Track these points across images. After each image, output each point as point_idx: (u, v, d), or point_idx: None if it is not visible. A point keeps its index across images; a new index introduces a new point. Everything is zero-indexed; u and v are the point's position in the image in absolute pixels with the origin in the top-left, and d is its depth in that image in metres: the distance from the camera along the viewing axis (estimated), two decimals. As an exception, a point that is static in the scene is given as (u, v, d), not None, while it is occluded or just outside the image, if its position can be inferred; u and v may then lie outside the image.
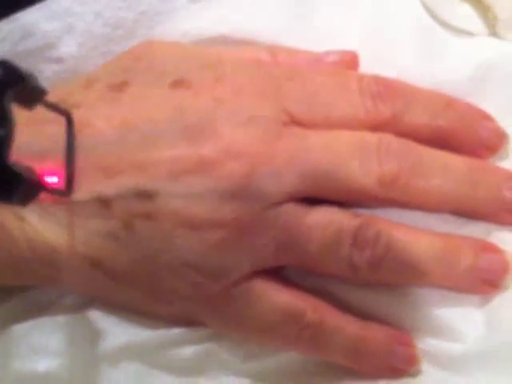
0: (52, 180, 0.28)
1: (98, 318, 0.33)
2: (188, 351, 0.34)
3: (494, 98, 0.36)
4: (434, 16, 0.38)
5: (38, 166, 0.26)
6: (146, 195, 0.31)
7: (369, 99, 0.33)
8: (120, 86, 0.33)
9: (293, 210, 0.31)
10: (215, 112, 0.32)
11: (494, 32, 0.39)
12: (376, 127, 0.33)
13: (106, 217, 0.31)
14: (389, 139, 0.32)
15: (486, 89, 0.36)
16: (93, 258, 0.32)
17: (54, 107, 0.28)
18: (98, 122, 0.32)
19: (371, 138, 0.32)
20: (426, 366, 0.33)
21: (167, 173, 0.31)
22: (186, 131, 0.31)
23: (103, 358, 0.33)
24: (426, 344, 0.33)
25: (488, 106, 0.36)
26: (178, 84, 0.33)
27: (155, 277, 0.32)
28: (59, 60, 0.37)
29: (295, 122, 0.32)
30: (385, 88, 0.33)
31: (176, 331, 0.34)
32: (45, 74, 0.37)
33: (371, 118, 0.33)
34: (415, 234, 0.32)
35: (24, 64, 0.37)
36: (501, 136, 0.35)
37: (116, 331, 0.34)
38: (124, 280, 0.32)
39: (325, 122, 0.33)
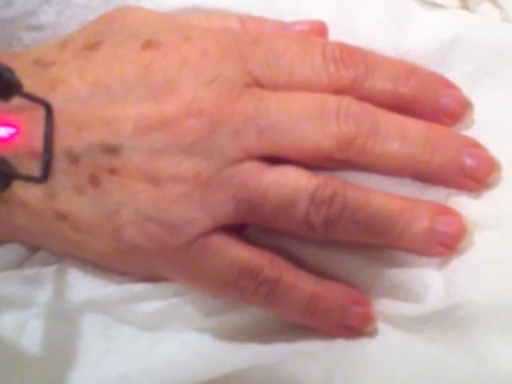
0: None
1: (65, 272, 0.34)
2: (152, 306, 0.34)
3: (460, 69, 0.36)
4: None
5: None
6: (111, 150, 0.32)
7: (331, 64, 0.34)
8: (93, 46, 0.34)
9: (251, 168, 0.32)
10: (181, 71, 0.33)
11: (465, 5, 0.39)
12: (337, 92, 0.34)
13: (73, 171, 0.32)
14: (348, 102, 0.33)
15: (451, 60, 0.37)
16: (59, 211, 0.33)
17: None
18: (72, 78, 0.33)
19: (331, 100, 0.33)
20: (383, 327, 0.34)
21: (132, 129, 0.32)
22: (152, 89, 0.32)
23: (69, 310, 0.34)
24: (384, 305, 0.34)
25: (453, 77, 0.36)
26: (149, 45, 0.34)
27: (119, 232, 0.33)
28: (38, 28, 0.38)
29: (258, 84, 0.33)
30: (348, 54, 0.34)
31: (141, 286, 0.35)
32: (24, 41, 0.39)
33: (333, 83, 0.34)
34: (371, 194, 0.33)
35: (4, 32, 0.39)
36: (463, 104, 0.35)
37: (82, 285, 0.35)
38: (89, 234, 0.33)
39: (287, 86, 0.34)
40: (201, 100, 0.32)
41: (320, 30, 0.37)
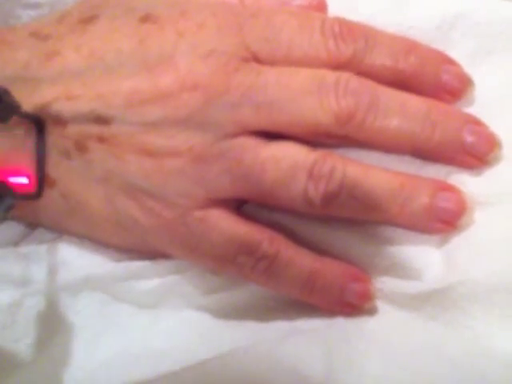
0: (20, 181, 0.29)
1: (62, 249, 0.34)
2: (151, 284, 0.34)
3: (461, 46, 0.36)
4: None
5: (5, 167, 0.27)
6: (101, 120, 0.32)
7: (331, 39, 0.34)
8: (90, 19, 0.34)
9: (248, 143, 0.32)
10: (176, 45, 0.33)
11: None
12: (337, 67, 0.34)
13: (60, 135, 0.32)
14: (348, 77, 0.33)
15: (453, 37, 0.36)
16: (48, 176, 0.32)
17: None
18: (67, 51, 0.33)
19: (330, 75, 0.33)
20: (383, 305, 0.34)
21: (124, 101, 0.32)
22: (147, 63, 0.32)
23: (65, 287, 0.34)
24: (383, 282, 0.34)
25: (455, 54, 0.36)
26: (146, 19, 0.34)
27: (111, 201, 0.33)
28: (35, 6, 0.38)
29: (256, 58, 0.33)
30: (347, 29, 0.34)
31: (139, 264, 0.34)
32: (22, 19, 0.38)
33: (332, 58, 0.33)
34: (371, 170, 0.33)
35: (1, 9, 0.39)
36: (464, 81, 0.35)
37: (79, 263, 0.34)
38: (79, 203, 0.33)
39: (285, 61, 0.33)
40: (196, 74, 0.32)
41: (319, 5, 0.36)
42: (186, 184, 0.32)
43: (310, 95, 0.32)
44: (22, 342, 0.33)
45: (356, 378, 0.31)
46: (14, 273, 0.34)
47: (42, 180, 0.32)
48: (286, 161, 0.32)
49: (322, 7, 0.36)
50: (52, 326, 0.33)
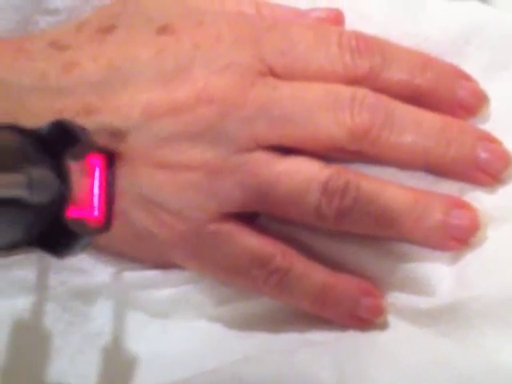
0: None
1: (78, 257, 0.34)
2: (164, 293, 0.35)
3: (477, 60, 0.36)
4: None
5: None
6: (118, 134, 0.32)
7: (347, 54, 0.34)
8: (108, 29, 0.34)
9: (262, 157, 0.32)
10: (193, 57, 0.33)
11: (483, -3, 0.39)
12: (353, 82, 0.34)
13: None
14: (363, 93, 0.33)
15: (468, 51, 0.36)
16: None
17: (100, 149, 0.30)
18: (85, 61, 0.33)
19: (346, 90, 0.33)
20: (394, 320, 0.34)
21: (140, 114, 0.32)
22: (164, 75, 0.32)
23: (81, 295, 0.34)
24: (396, 298, 0.34)
25: (470, 68, 0.36)
26: (164, 30, 0.34)
27: (126, 214, 0.33)
28: (54, 12, 0.38)
29: (272, 72, 0.33)
30: (364, 43, 0.34)
31: (152, 273, 0.35)
32: (40, 25, 0.38)
33: (348, 73, 0.34)
34: (385, 186, 0.33)
35: (21, 16, 0.39)
36: (480, 97, 0.35)
37: (94, 270, 0.35)
38: None
39: (301, 75, 0.33)
40: (212, 87, 0.32)
41: (336, 17, 0.36)
42: (200, 197, 0.32)
43: (325, 110, 0.33)
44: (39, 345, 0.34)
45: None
46: (32, 279, 0.34)
47: (111, 214, 0.31)
48: (299, 175, 0.32)
49: (339, 19, 0.36)
50: (65, 333, 0.34)
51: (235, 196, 0.32)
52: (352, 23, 0.36)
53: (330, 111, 0.33)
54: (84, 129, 0.28)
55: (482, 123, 0.36)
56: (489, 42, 0.36)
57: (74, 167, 0.28)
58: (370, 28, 0.36)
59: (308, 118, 0.32)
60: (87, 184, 0.31)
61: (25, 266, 0.35)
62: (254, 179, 0.32)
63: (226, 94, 0.32)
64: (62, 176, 0.26)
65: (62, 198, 0.26)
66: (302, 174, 0.32)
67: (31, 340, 0.33)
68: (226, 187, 0.32)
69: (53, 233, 0.26)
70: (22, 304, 0.34)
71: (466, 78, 0.35)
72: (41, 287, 0.34)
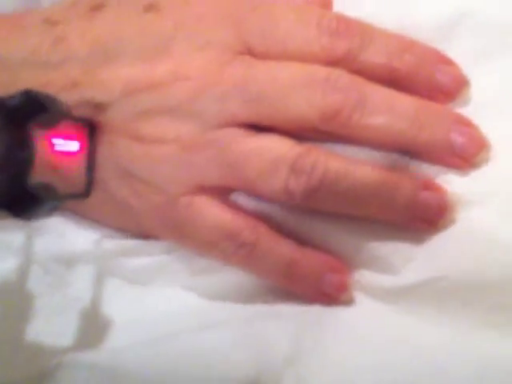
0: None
1: (59, 223, 0.36)
2: (141, 262, 0.36)
3: (466, 45, 0.36)
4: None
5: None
6: (99, 107, 0.34)
7: (326, 35, 0.34)
8: (98, 7, 0.36)
9: (235, 134, 0.33)
10: (175, 35, 0.34)
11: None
12: (331, 63, 0.34)
13: None
14: (338, 74, 0.34)
15: (458, 35, 0.36)
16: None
17: (78, 120, 0.33)
18: (74, 37, 0.35)
19: (321, 71, 0.34)
20: (360, 296, 0.35)
21: (121, 89, 0.34)
22: (145, 52, 0.34)
23: (61, 259, 0.36)
24: (363, 275, 0.35)
25: (458, 52, 0.36)
26: (150, 8, 0.35)
27: (106, 184, 0.34)
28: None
29: (250, 52, 0.34)
30: (345, 25, 0.34)
31: (131, 242, 0.36)
32: (42, 3, 0.40)
33: (326, 54, 0.34)
34: (354, 165, 0.33)
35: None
36: (459, 81, 0.35)
37: (77, 237, 0.36)
38: None
39: (279, 55, 0.34)
40: (189, 64, 0.33)
41: (325, 1, 0.37)
42: (173, 171, 0.34)
43: (298, 90, 0.33)
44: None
45: (320, 358, 0.32)
46: (16, 243, 0.36)
47: (91, 181, 0.33)
48: (269, 153, 0.33)
49: (326, 2, 0.37)
50: (45, 295, 0.36)
51: (207, 171, 0.34)
52: (342, 9, 0.37)
53: (303, 91, 0.33)
54: (54, 99, 0.30)
55: (462, 107, 0.36)
56: (480, 26, 0.36)
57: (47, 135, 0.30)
58: (359, 12, 0.36)
59: (281, 97, 0.33)
60: (66, 151, 0.33)
61: (12, 231, 0.37)
62: (226, 155, 0.33)
63: (202, 71, 0.33)
64: (25, 143, 0.27)
65: (24, 163, 0.27)
66: (272, 151, 0.33)
67: (14, 301, 0.35)
68: (199, 162, 0.34)
69: (19, 196, 0.28)
70: (7, 267, 0.36)
71: (447, 62, 0.35)
72: (26, 251, 0.36)
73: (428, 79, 0.35)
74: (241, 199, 0.36)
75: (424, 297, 0.34)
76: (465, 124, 0.34)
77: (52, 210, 0.29)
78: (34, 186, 0.28)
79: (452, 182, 0.34)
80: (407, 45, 0.35)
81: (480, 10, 0.37)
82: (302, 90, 0.33)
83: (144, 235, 0.36)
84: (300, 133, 0.34)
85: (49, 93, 0.30)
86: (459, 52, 0.36)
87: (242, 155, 0.33)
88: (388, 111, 0.33)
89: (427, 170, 0.35)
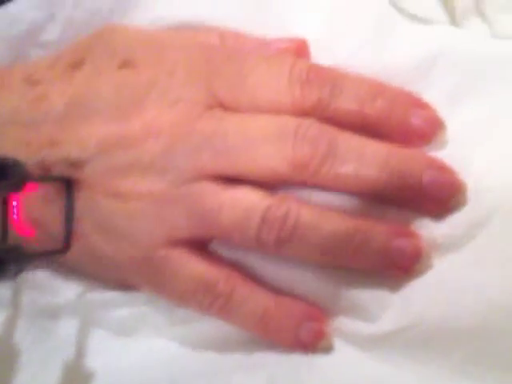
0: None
1: (47, 276, 0.37)
2: (124, 313, 0.37)
3: (441, 84, 0.36)
4: (396, 4, 0.39)
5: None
6: (76, 164, 0.35)
7: (297, 85, 0.35)
8: (77, 64, 0.37)
9: (206, 187, 0.34)
10: (148, 92, 0.35)
11: (453, 20, 0.39)
12: (302, 113, 0.35)
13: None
14: (308, 124, 0.34)
15: (433, 75, 0.36)
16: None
17: (51, 179, 0.34)
18: (53, 96, 0.36)
19: (291, 122, 0.34)
20: (339, 344, 0.35)
21: (95, 146, 0.35)
22: (119, 109, 0.35)
23: (46, 312, 0.37)
24: (341, 322, 0.35)
25: (434, 92, 0.36)
26: (125, 64, 0.36)
27: (86, 238, 0.35)
28: (44, 45, 0.41)
29: (221, 105, 0.35)
30: (315, 74, 0.35)
31: (114, 293, 0.37)
32: (31, 58, 0.42)
33: (296, 105, 0.35)
34: (326, 214, 0.34)
35: (12, 49, 0.42)
36: (434, 124, 0.35)
37: (62, 289, 0.37)
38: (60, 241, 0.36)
39: (250, 107, 0.35)
40: (161, 121, 0.34)
41: (299, 47, 0.37)
42: (149, 225, 0.34)
43: (268, 143, 0.34)
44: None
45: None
46: (5, 296, 0.37)
47: (69, 236, 0.34)
48: (241, 205, 0.34)
49: (301, 49, 0.37)
50: (30, 349, 0.37)
51: (182, 224, 0.34)
52: (321, 49, 0.37)
53: (273, 143, 0.34)
54: (17, 162, 0.31)
55: (439, 149, 0.36)
56: (455, 65, 0.36)
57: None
58: (336, 54, 0.37)
59: (250, 149, 0.34)
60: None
61: (1, 285, 0.38)
62: (199, 208, 0.34)
63: (173, 127, 0.34)
64: None
65: None
66: (243, 203, 0.34)
67: (1, 356, 0.36)
68: (173, 215, 0.34)
69: None
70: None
71: (421, 105, 0.35)
72: (14, 305, 0.37)
73: (401, 123, 0.35)
74: (219, 248, 0.36)
75: (400, 345, 0.34)
76: (438, 167, 0.34)
77: (20, 271, 0.30)
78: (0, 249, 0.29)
79: (427, 227, 0.34)
80: (379, 90, 0.35)
81: (454, 50, 0.36)
82: (272, 142, 0.34)
83: (126, 286, 0.37)
84: (273, 183, 0.34)
85: (8, 156, 0.31)
86: (436, 92, 0.36)
87: (214, 208, 0.34)
88: (358, 159, 0.34)
89: (402, 214, 0.35)
